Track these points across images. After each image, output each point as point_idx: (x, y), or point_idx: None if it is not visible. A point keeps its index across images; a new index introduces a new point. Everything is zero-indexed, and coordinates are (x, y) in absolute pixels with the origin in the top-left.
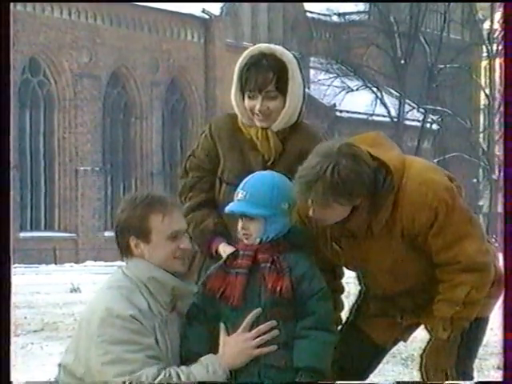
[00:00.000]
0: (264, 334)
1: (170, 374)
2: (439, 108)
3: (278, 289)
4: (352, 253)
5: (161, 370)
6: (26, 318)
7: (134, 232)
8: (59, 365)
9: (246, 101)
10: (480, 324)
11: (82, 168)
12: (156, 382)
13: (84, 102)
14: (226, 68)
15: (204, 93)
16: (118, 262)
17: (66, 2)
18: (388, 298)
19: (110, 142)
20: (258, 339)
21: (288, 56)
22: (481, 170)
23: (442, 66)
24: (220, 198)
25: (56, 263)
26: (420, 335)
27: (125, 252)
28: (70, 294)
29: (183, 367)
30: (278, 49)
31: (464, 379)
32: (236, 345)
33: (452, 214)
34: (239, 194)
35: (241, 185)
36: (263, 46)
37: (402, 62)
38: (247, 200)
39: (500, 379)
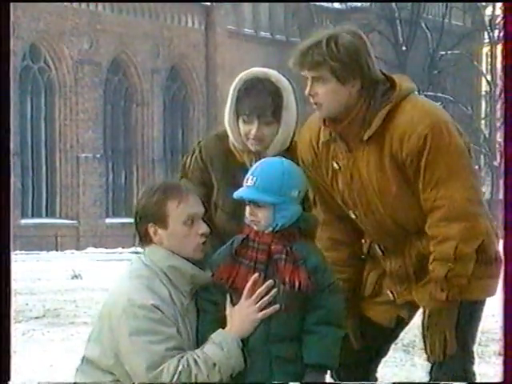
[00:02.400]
0: (265, 296)
1: (188, 364)
2: (440, 94)
3: (297, 282)
4: (347, 173)
5: (180, 359)
6: (27, 304)
7: (152, 218)
8: (83, 358)
9: (241, 125)
10: (475, 307)
11: (83, 155)
12: (176, 375)
13: (85, 89)
14: (227, 55)
15: (205, 80)
16: (119, 249)
17: (66, 2)
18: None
19: (111, 129)
20: (259, 302)
21: (283, 83)
22: (482, 157)
23: (444, 53)
24: (217, 223)
25: (57, 250)
26: (420, 322)
27: (144, 239)
28: (71, 281)
29: (198, 351)
30: (274, 74)
31: (465, 365)
32: (240, 312)
33: (443, 150)
34: (249, 179)
35: (251, 170)
36: (258, 71)
37: (404, 48)
38: (257, 186)
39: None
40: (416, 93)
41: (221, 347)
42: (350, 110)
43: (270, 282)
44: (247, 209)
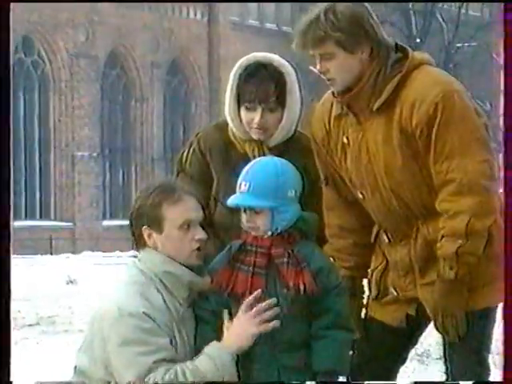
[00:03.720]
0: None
1: (175, 375)
2: None
3: (302, 285)
4: (356, 147)
5: (167, 370)
6: (20, 311)
7: (147, 221)
8: (74, 367)
9: (243, 113)
10: (488, 314)
11: (78, 153)
12: (160, 382)
13: (81, 84)
14: (230, 48)
15: (207, 74)
16: (117, 253)
17: (66, 1)
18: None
19: (109, 126)
20: (259, 317)
21: (286, 67)
22: (500, 154)
23: (460, 45)
24: (217, 218)
25: (52, 254)
26: (435, 331)
27: (138, 243)
28: (66, 286)
29: (189, 363)
30: (276, 59)
31: (481, 377)
32: (238, 326)
33: (456, 120)
34: (242, 185)
35: (242, 174)
36: (259, 55)
37: (418, 40)
38: (251, 192)
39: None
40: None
41: (214, 362)
42: (359, 79)
43: (272, 300)
44: (243, 216)
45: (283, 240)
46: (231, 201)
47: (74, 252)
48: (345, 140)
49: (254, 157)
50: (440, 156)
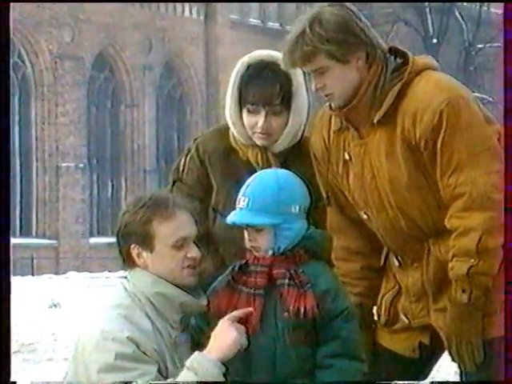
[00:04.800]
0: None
1: None
2: (477, 94)
3: (302, 309)
4: (358, 163)
5: None
6: None
7: (136, 239)
8: None
9: (246, 116)
10: (491, 344)
11: (63, 164)
12: None
13: (65, 88)
14: (229, 49)
15: (204, 77)
16: (105, 273)
17: (66, 2)
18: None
19: (96, 135)
20: (237, 324)
21: None
22: None
23: (481, 46)
24: (216, 230)
25: (33, 274)
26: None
27: (127, 262)
28: (49, 310)
29: (170, 379)
30: (280, 56)
31: None
32: (219, 332)
33: (462, 128)
34: (241, 201)
35: (242, 189)
36: (263, 54)
37: (435, 41)
38: (251, 208)
39: None
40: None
41: (194, 372)
42: (357, 89)
43: (248, 309)
44: (245, 234)
45: (286, 259)
46: (230, 218)
47: (57, 273)
48: (346, 156)
49: (258, 164)
50: (447, 169)
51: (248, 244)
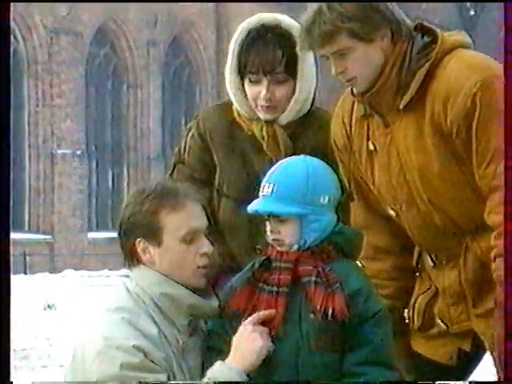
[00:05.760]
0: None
1: None
2: None
3: (330, 310)
4: (384, 154)
5: None
6: None
7: (142, 232)
8: None
9: (247, 86)
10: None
11: (59, 151)
12: None
13: (62, 67)
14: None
15: (215, 54)
16: (106, 272)
17: (67, 2)
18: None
19: (95, 118)
20: (261, 327)
21: (297, 29)
22: None
23: None
24: (221, 215)
25: (26, 273)
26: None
27: (130, 259)
28: (43, 312)
29: None
30: (284, 19)
31: None
32: (242, 338)
33: (499, 113)
34: (265, 187)
35: (266, 176)
36: (265, 17)
37: (472, 13)
38: (275, 196)
39: None
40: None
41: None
42: (381, 72)
43: (270, 311)
44: (267, 225)
45: (314, 255)
46: (252, 206)
47: (52, 271)
48: (371, 146)
49: (263, 138)
50: (483, 157)
51: (270, 237)
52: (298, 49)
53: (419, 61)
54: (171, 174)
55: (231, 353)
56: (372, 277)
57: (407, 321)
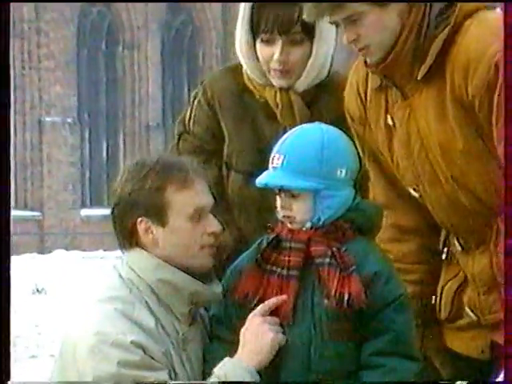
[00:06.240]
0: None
1: None
2: None
3: (346, 295)
4: (404, 129)
5: None
6: None
7: (144, 211)
8: None
9: (259, 47)
10: None
11: (48, 119)
12: None
13: (50, 25)
14: None
15: (221, 11)
16: (100, 252)
17: (68, 2)
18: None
19: (88, 83)
20: (271, 318)
21: None
22: None
23: None
24: (231, 192)
25: (12, 253)
26: None
27: (127, 240)
28: (31, 297)
29: None
30: None
31: None
32: (251, 332)
33: None
34: (275, 158)
35: (277, 145)
36: None
37: None
38: (286, 168)
39: None
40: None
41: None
42: (397, 39)
43: (282, 297)
44: (278, 200)
45: (328, 234)
46: (260, 179)
47: (42, 251)
48: (389, 121)
49: (277, 106)
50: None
51: (281, 213)
52: (304, 17)
53: (438, 26)
54: (177, 146)
55: (239, 349)
56: (396, 261)
57: (435, 309)
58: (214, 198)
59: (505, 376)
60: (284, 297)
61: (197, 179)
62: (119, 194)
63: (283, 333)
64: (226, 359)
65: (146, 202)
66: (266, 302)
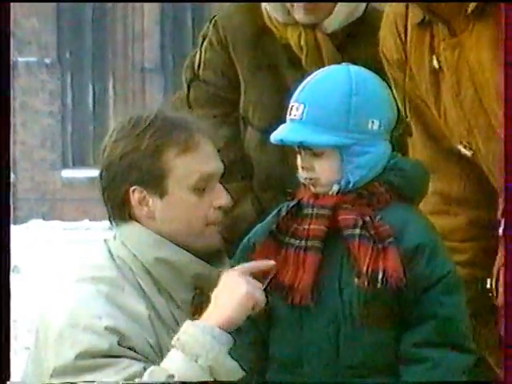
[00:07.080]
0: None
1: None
2: None
3: (381, 272)
4: (452, 72)
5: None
6: None
7: (138, 178)
8: None
9: None
10: None
11: (21, 59)
12: None
13: None
14: None
15: None
16: (85, 223)
17: (68, 2)
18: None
19: (71, 15)
20: (250, 278)
21: None
22: None
23: None
24: (249, 151)
25: None
26: None
27: (118, 213)
28: None
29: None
30: None
31: None
32: (225, 286)
33: None
34: (293, 109)
35: (296, 93)
36: None
37: None
38: (306, 120)
39: None
40: None
41: (182, 350)
42: None
43: (269, 262)
44: (298, 159)
45: (359, 200)
46: (276, 134)
47: (15, 222)
48: (435, 63)
49: (301, 49)
50: None
51: (302, 175)
52: None
53: None
54: (187, 96)
55: (208, 308)
56: (442, 238)
57: (491, 294)
58: (230, 161)
59: (505, 376)
60: (271, 262)
61: (203, 140)
62: (109, 157)
63: (301, 318)
64: (187, 322)
65: (141, 167)
66: (250, 263)
